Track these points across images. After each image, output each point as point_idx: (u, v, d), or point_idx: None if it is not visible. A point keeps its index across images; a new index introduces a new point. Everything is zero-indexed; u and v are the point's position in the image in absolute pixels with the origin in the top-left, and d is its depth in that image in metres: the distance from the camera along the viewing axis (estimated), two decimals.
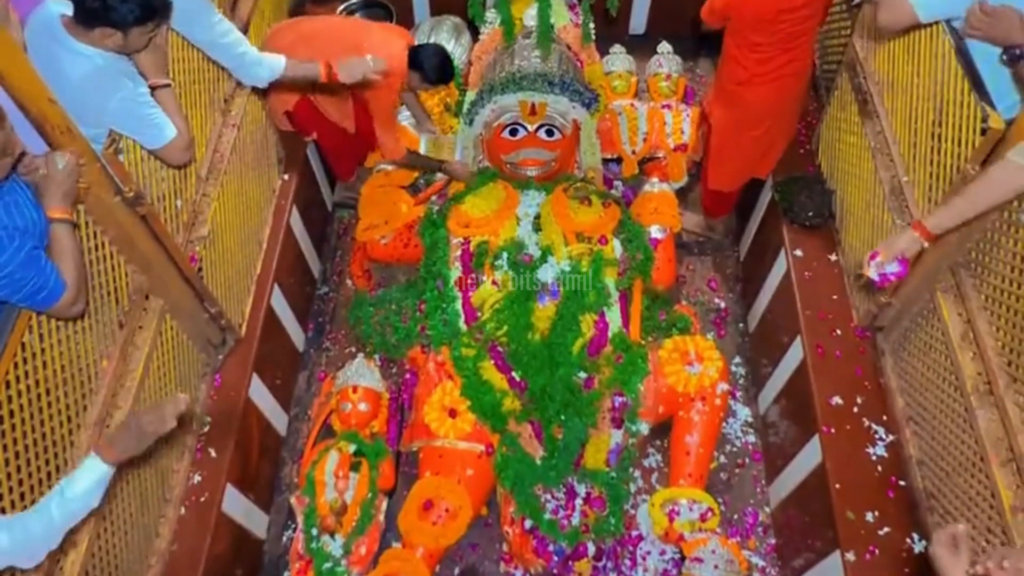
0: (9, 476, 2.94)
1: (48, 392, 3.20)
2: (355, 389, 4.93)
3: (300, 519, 4.56)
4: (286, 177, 5.77)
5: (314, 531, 4.47)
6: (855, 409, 4.51)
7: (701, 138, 5.84)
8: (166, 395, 4.17)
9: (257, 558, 4.93)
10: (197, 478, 4.40)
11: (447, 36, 6.58)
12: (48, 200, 3.14)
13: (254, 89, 5.10)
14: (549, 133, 5.32)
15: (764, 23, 4.68)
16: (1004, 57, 3.63)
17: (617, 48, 6.70)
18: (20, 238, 2.93)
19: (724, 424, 5.28)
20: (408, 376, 5.28)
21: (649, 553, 4.76)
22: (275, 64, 4.54)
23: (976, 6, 3.61)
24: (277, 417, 5.33)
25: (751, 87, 4.98)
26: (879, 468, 4.31)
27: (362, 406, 4.90)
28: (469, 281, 5.12)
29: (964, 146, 3.77)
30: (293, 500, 4.71)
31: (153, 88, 3.86)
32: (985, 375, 3.64)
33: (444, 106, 6.37)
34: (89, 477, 2.80)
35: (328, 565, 4.36)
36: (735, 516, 5.09)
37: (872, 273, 3.78)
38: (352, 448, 4.75)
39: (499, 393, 4.72)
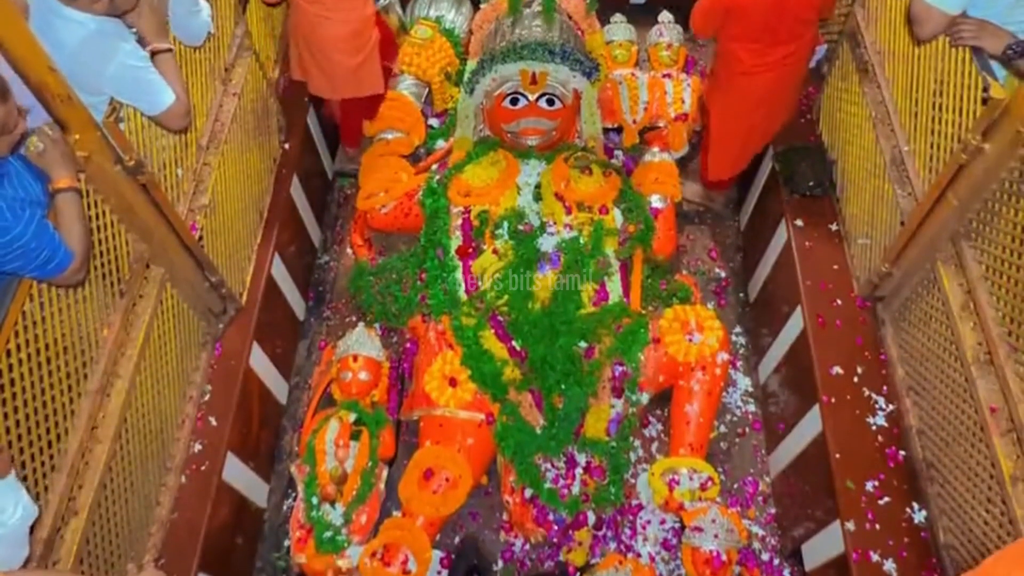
0: (10, 444, 2.95)
1: (49, 361, 3.21)
2: (355, 358, 4.93)
3: (300, 488, 4.57)
4: (287, 146, 5.78)
5: (314, 500, 4.47)
6: (855, 379, 4.52)
7: (701, 109, 5.82)
8: (166, 364, 4.18)
9: (257, 526, 4.96)
10: (198, 446, 4.41)
11: (447, 5, 6.56)
12: (54, 171, 3.16)
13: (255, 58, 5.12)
14: (550, 102, 5.30)
15: (758, 19, 4.70)
16: (1007, 53, 3.68)
17: (618, 17, 6.67)
18: (30, 208, 2.96)
19: (724, 394, 5.31)
20: (408, 345, 5.27)
21: (649, 522, 4.78)
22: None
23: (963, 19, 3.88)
24: (278, 386, 5.35)
25: (750, 77, 4.98)
26: (879, 438, 4.32)
27: (362, 375, 4.90)
28: (470, 250, 5.11)
29: (965, 116, 3.78)
30: (293, 469, 4.72)
31: (154, 53, 3.85)
32: (985, 345, 3.64)
33: (445, 75, 6.35)
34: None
35: (328, 534, 4.36)
36: (735, 485, 5.12)
37: None
38: (352, 417, 4.75)
39: (499, 362, 4.72)
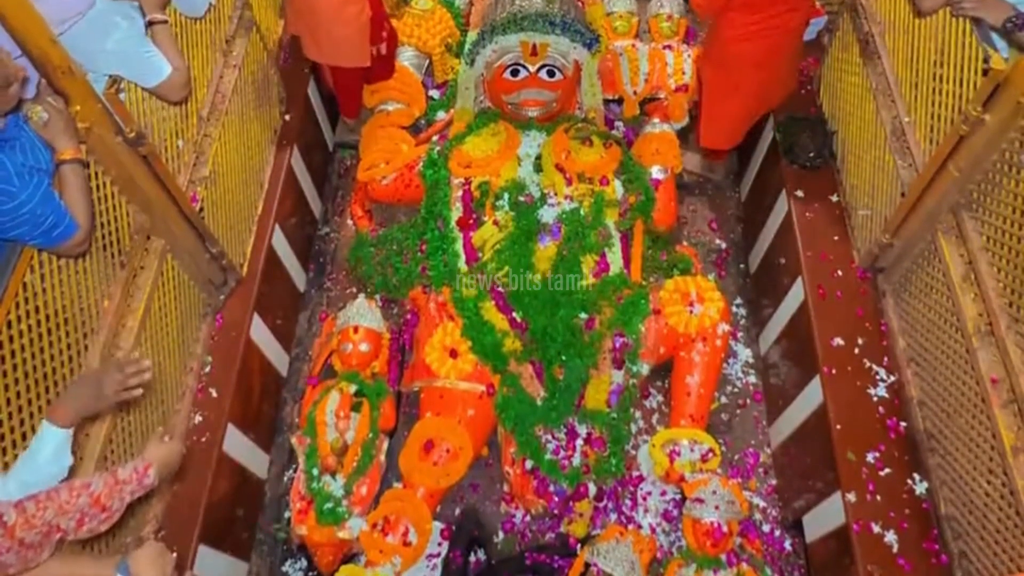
0: (11, 416, 2.95)
1: (50, 332, 3.22)
2: (356, 329, 4.93)
3: (301, 459, 4.57)
4: (287, 117, 5.76)
5: (315, 471, 4.48)
6: (856, 350, 4.52)
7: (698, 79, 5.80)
8: (167, 335, 4.18)
9: (258, 498, 4.96)
10: (198, 418, 4.42)
11: None
12: (58, 142, 3.18)
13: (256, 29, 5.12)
14: (550, 74, 5.28)
15: None
16: (1007, 25, 3.69)
17: None
18: (38, 176, 2.99)
19: (725, 365, 5.30)
20: (409, 316, 5.28)
21: (650, 494, 4.79)
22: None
23: None
24: (278, 357, 5.35)
25: (743, 43, 4.91)
26: (880, 409, 4.32)
27: (363, 346, 4.90)
28: (470, 221, 5.11)
29: (966, 87, 3.78)
30: (294, 440, 4.72)
31: (150, 24, 3.85)
32: (986, 316, 3.65)
33: (446, 47, 6.33)
34: (47, 448, 2.81)
35: (329, 505, 4.37)
36: (736, 457, 5.12)
37: None
38: (353, 388, 4.76)
39: (500, 334, 4.72)
